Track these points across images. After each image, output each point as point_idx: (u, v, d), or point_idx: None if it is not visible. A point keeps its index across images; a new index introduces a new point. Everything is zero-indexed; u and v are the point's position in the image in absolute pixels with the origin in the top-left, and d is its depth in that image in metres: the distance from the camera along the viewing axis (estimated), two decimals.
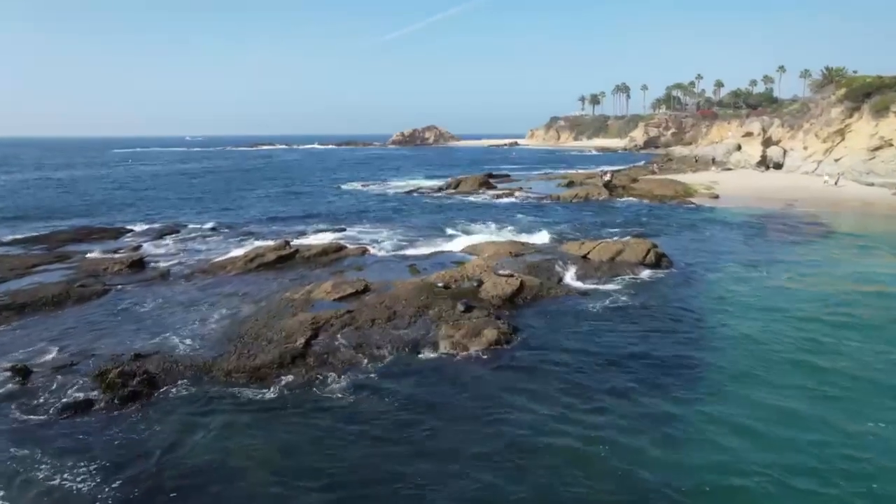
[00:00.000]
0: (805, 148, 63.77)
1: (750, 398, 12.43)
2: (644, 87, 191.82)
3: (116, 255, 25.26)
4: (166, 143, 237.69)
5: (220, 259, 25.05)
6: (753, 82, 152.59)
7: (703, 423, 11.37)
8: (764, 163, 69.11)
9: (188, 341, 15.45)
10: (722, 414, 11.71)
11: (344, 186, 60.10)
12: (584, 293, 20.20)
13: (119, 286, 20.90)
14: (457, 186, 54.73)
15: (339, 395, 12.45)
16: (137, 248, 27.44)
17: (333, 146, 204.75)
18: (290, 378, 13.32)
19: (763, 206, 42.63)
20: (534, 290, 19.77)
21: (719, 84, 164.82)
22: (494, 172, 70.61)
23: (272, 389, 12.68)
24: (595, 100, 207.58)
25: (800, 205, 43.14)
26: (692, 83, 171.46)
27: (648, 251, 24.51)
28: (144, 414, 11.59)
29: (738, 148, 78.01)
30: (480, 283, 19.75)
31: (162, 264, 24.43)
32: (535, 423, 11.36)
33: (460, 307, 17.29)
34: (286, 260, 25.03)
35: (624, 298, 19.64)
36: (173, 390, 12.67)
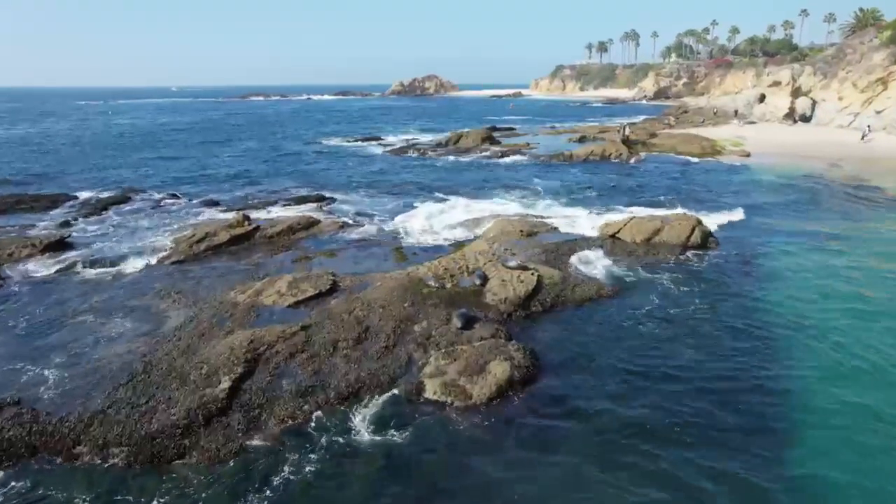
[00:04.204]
0: (840, 99, 57.76)
1: None
2: (654, 35, 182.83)
3: (34, 235, 20.46)
4: (151, 94, 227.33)
5: (158, 241, 20.25)
6: (772, 28, 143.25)
7: None
8: (791, 116, 63.22)
9: (67, 378, 10.82)
10: None
11: (332, 143, 54.48)
12: (619, 291, 15.48)
13: (15, 281, 16.20)
14: (457, 142, 49.16)
15: None
16: (66, 223, 22.56)
17: (330, 97, 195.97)
18: (193, 461, 8.74)
19: (803, 166, 37.46)
20: (554, 288, 15.04)
21: (735, 31, 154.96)
22: (498, 126, 64.88)
23: (159, 494, 8.09)
24: (602, 47, 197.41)
25: (845, 164, 38.01)
26: (706, 30, 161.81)
27: (693, 230, 19.73)
28: None
29: (761, 99, 71.81)
30: (484, 279, 15.01)
31: (89, 247, 19.65)
32: None
33: (457, 322, 12.62)
34: (243, 240, 20.23)
35: (673, 299, 14.96)
36: None
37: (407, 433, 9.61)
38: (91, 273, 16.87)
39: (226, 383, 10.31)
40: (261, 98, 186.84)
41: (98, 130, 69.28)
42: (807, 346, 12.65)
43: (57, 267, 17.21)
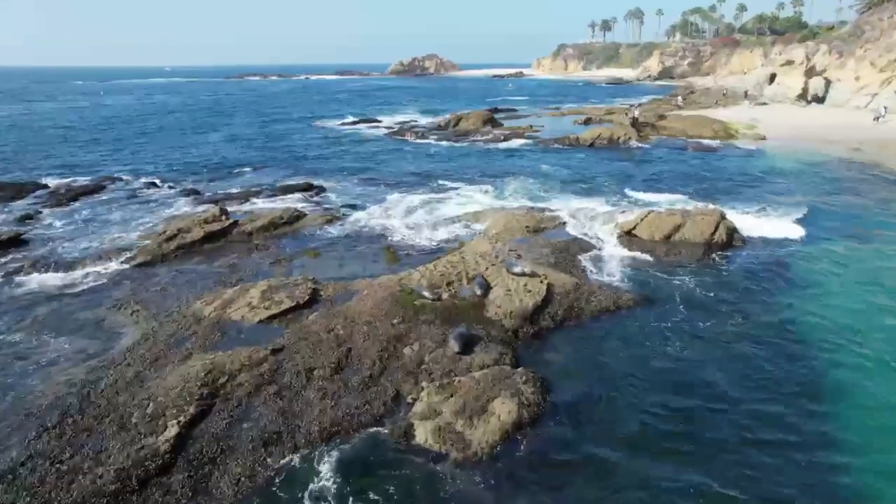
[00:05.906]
0: (857, 79, 55.30)
1: None
2: (659, 12, 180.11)
3: None
4: (146, 75, 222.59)
5: (126, 238, 18.33)
6: (780, 5, 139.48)
7: None
8: (805, 96, 60.74)
9: None
10: None
11: (327, 125, 52.23)
12: (639, 300, 13.58)
13: None
14: (457, 124, 46.95)
15: None
16: (27, 217, 20.64)
17: (329, 77, 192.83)
18: None
19: (823, 151, 35.33)
20: (567, 298, 13.14)
21: (742, 8, 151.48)
22: (500, 107, 62.61)
23: None
24: (606, 26, 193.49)
25: (866, 148, 35.81)
26: (712, 7, 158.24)
27: (717, 226, 17.80)
28: None
29: (772, 79, 69.24)
30: (486, 289, 13.10)
31: (47, 246, 17.74)
32: None
33: (454, 344, 10.74)
34: (219, 237, 18.34)
35: (702, 311, 13.09)
36: None
37: (391, 491, 7.83)
38: (41, 278, 14.96)
39: (172, 430, 8.47)
40: (258, 78, 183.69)
41: (84, 112, 66.83)
42: (858, 359, 10.96)
43: (2, 271, 15.30)
